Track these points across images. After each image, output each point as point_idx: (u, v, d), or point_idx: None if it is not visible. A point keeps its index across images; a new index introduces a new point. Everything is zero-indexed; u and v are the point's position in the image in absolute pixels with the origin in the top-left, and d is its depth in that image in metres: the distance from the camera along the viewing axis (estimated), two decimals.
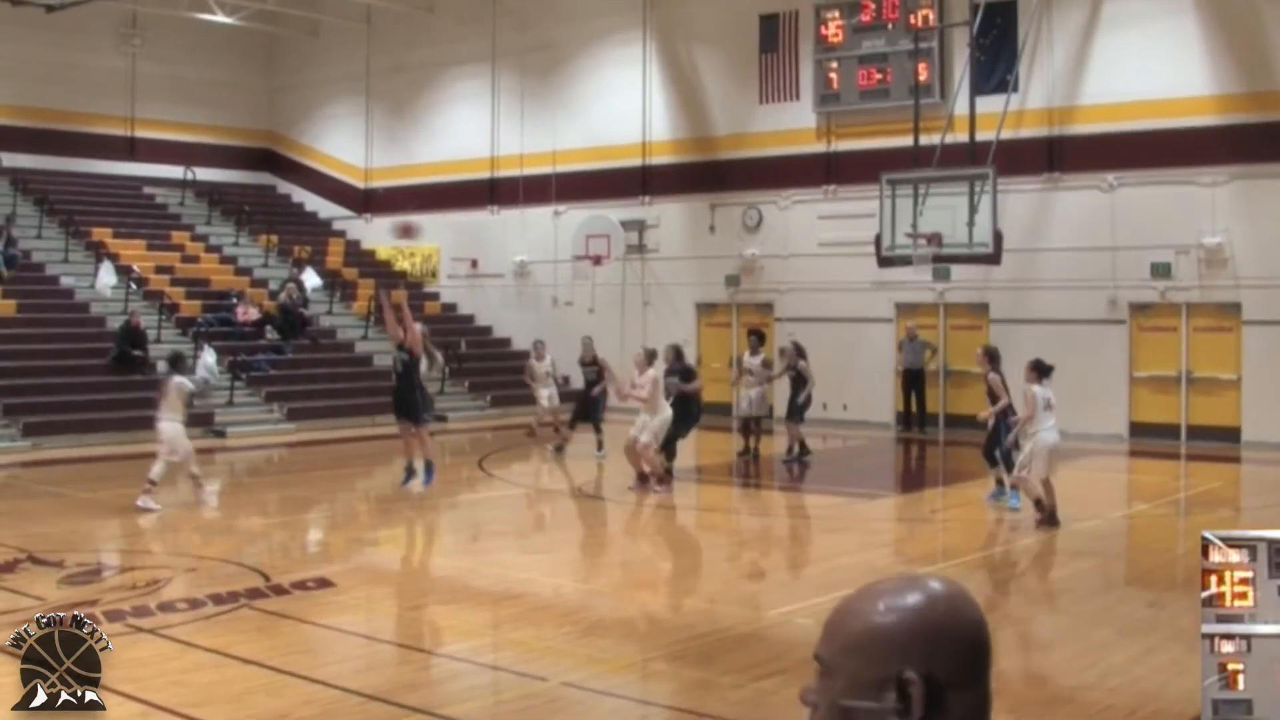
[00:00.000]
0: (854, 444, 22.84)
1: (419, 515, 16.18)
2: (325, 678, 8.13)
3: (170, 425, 15.17)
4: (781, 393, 20.82)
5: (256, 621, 9.61)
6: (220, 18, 32.45)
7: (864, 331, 24.99)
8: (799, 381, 19.72)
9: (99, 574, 11.55)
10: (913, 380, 23.89)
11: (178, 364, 16.14)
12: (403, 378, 15.78)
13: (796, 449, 19.63)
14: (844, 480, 19.14)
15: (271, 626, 9.52)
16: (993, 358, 15.57)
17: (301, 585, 10.85)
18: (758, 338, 20.96)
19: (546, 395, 22.24)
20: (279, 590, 10.62)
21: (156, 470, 15.08)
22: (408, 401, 15.77)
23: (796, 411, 19.54)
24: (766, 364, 20.61)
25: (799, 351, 20.01)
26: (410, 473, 16.08)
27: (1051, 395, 13.70)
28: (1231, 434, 21.43)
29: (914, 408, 24.01)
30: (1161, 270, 22.17)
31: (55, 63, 31.73)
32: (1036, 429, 13.58)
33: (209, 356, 24.48)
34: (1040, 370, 13.80)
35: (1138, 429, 22.35)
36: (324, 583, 11.01)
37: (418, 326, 16.50)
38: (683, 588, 11.45)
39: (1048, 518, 13.59)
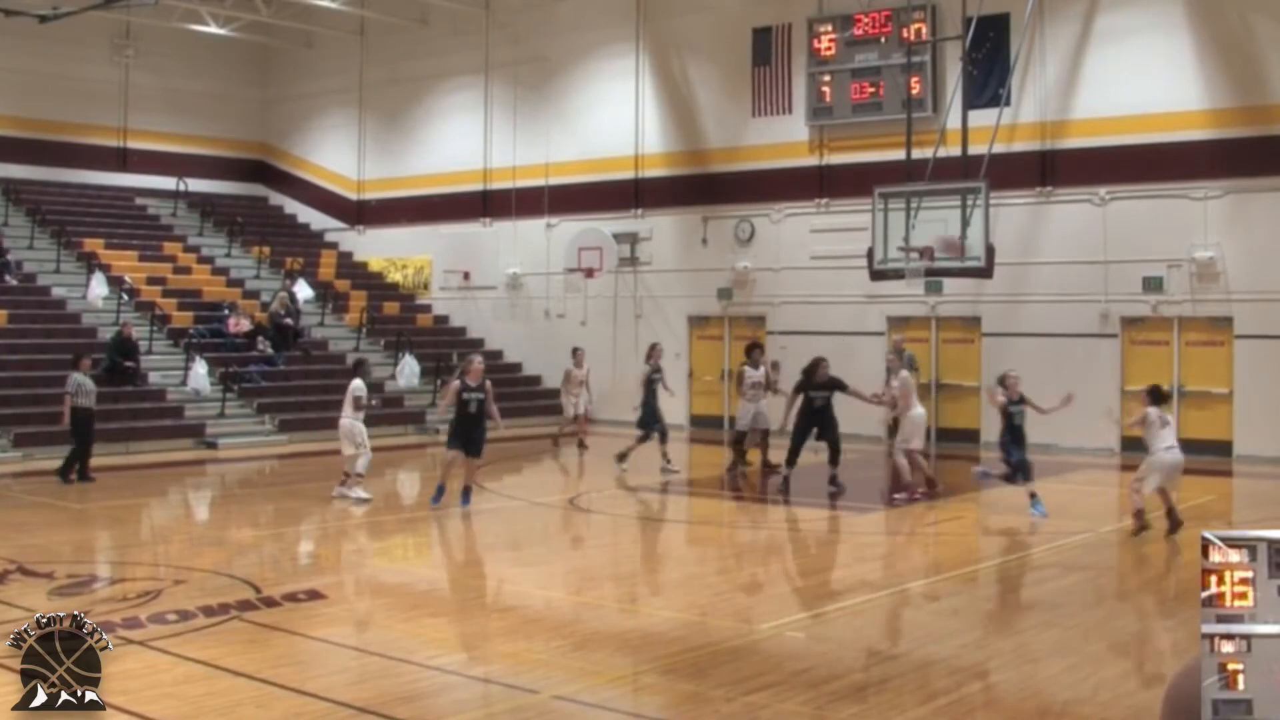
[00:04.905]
0: (845, 458, 22.82)
1: (410, 527, 16.16)
2: (316, 690, 8.11)
3: (346, 421, 16.87)
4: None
5: (247, 633, 9.59)
6: (213, 29, 32.51)
7: (856, 345, 25.01)
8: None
9: (89, 585, 11.51)
10: None
11: (359, 368, 17.92)
12: (476, 416, 15.92)
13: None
14: (833, 494, 19.13)
15: (262, 638, 9.49)
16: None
17: (292, 597, 10.83)
18: (760, 350, 20.96)
19: (573, 404, 23.06)
20: (270, 602, 10.60)
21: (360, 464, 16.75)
22: (479, 437, 16.02)
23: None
24: (776, 368, 20.65)
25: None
26: (442, 492, 16.17)
27: (1165, 415, 14.43)
28: (1223, 448, 21.46)
29: None
30: (1153, 284, 22.23)
31: (48, 73, 31.74)
32: (1154, 448, 14.14)
33: (200, 368, 24.44)
34: (1155, 396, 14.43)
35: (1129, 443, 22.32)
36: (315, 595, 10.99)
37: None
38: (674, 601, 11.43)
39: (1140, 527, 14.21)
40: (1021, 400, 15.60)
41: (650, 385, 20.59)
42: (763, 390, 20.06)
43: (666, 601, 11.41)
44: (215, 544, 14.51)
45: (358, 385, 17.07)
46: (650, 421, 20.39)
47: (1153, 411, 14.14)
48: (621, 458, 20.37)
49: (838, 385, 18.32)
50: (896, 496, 17.33)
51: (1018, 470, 15.50)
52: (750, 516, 17.87)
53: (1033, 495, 15.47)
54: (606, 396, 26.43)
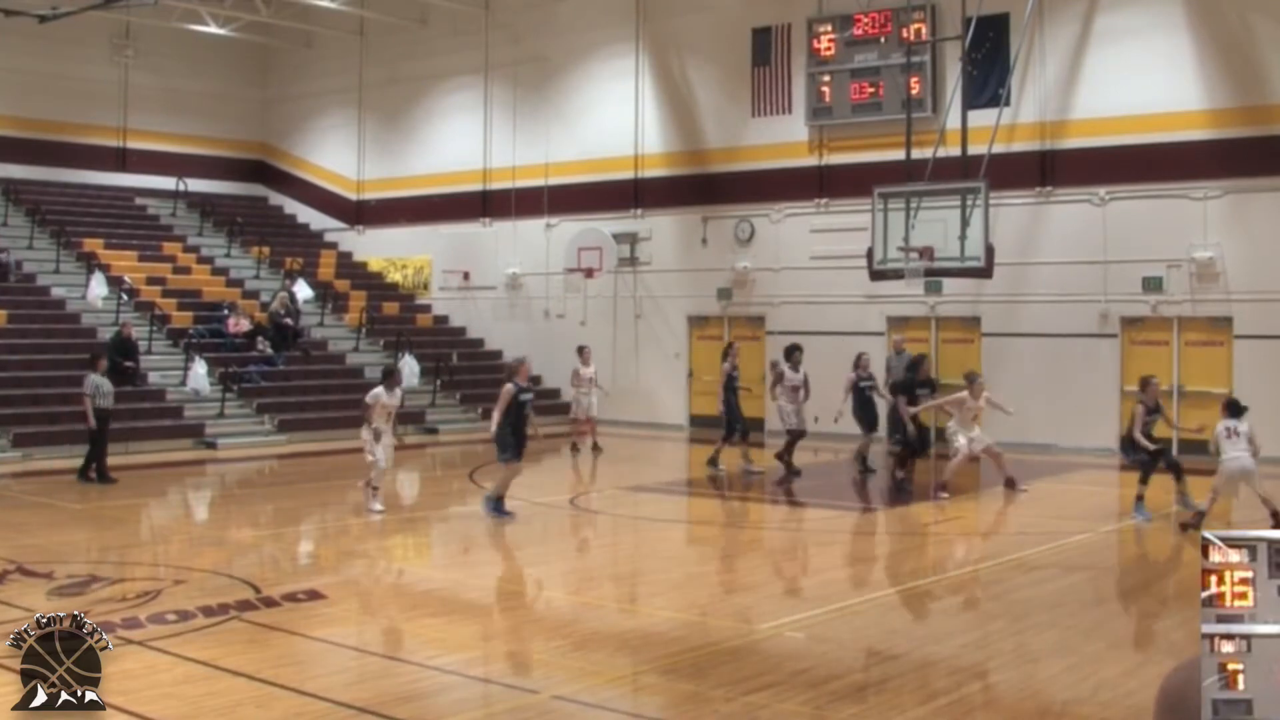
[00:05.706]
0: (846, 457, 22.83)
1: (410, 528, 16.16)
2: (315, 690, 8.11)
3: (363, 431, 16.05)
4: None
5: (247, 633, 9.59)
6: (213, 29, 32.51)
7: (856, 345, 24.95)
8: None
9: (89, 585, 11.50)
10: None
11: (386, 378, 16.52)
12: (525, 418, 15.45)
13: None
14: (835, 494, 19.15)
15: (262, 638, 9.49)
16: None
17: (292, 597, 10.83)
18: (800, 351, 20.59)
19: (586, 404, 23.09)
20: (269, 602, 10.60)
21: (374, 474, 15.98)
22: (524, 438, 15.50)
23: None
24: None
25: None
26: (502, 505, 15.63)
27: (1236, 425, 14.42)
28: None
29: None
30: (1153, 284, 22.22)
31: (47, 73, 31.75)
32: (1220, 459, 14.40)
33: (200, 368, 24.45)
34: (1230, 410, 14.65)
35: (1129, 443, 22.32)
36: (314, 595, 10.99)
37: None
38: (674, 601, 11.43)
39: (1185, 525, 14.64)
40: (1158, 408, 15.90)
41: (730, 385, 20.50)
42: (798, 393, 19.92)
43: (666, 601, 11.40)
44: (215, 544, 14.50)
45: (373, 394, 16.23)
46: (733, 421, 20.39)
47: (1219, 426, 14.45)
48: (712, 462, 20.43)
49: (934, 384, 18.54)
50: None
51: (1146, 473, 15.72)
52: (751, 516, 17.87)
53: (1140, 499, 15.68)
54: (606, 397, 26.41)
